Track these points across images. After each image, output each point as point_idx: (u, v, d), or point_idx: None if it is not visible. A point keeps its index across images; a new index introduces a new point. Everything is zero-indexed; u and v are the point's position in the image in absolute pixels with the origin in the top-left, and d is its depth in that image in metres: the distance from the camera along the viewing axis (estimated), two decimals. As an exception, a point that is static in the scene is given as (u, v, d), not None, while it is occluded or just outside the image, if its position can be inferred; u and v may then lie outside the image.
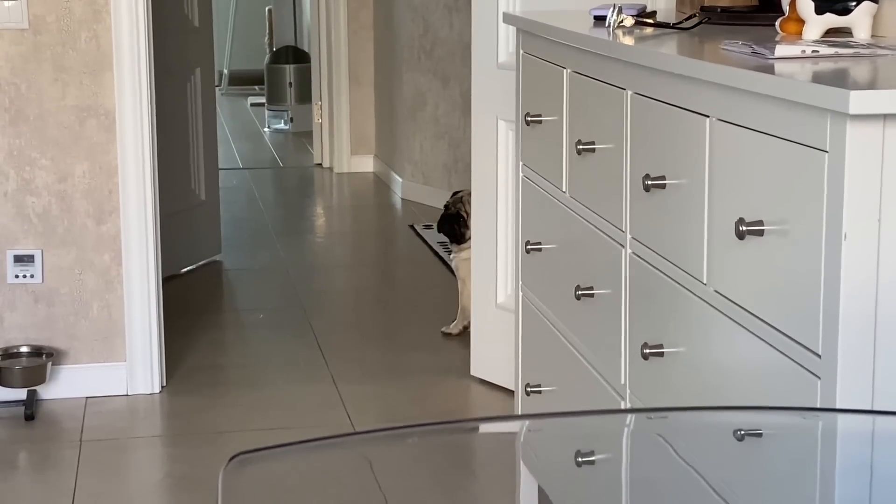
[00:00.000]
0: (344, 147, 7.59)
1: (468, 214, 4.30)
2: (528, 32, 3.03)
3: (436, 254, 5.68)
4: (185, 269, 5.38)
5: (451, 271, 4.79)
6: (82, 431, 3.77)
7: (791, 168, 1.84)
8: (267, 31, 10.68)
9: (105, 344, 4.04)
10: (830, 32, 2.35)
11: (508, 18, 3.27)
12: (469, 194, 4.21)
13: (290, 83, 8.98)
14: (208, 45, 5.50)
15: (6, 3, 3.84)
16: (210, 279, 5.41)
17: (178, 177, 5.20)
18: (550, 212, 2.91)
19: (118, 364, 4.04)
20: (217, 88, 7.31)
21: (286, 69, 9.00)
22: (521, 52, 3.10)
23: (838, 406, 1.71)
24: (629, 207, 2.43)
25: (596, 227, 2.61)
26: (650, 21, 2.68)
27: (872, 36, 2.37)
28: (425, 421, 3.82)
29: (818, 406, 1.75)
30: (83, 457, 3.59)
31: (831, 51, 2.12)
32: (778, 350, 1.89)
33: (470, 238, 4.22)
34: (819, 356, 1.79)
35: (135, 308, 4.03)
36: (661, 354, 2.29)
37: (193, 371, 4.26)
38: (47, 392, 3.98)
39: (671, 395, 2.29)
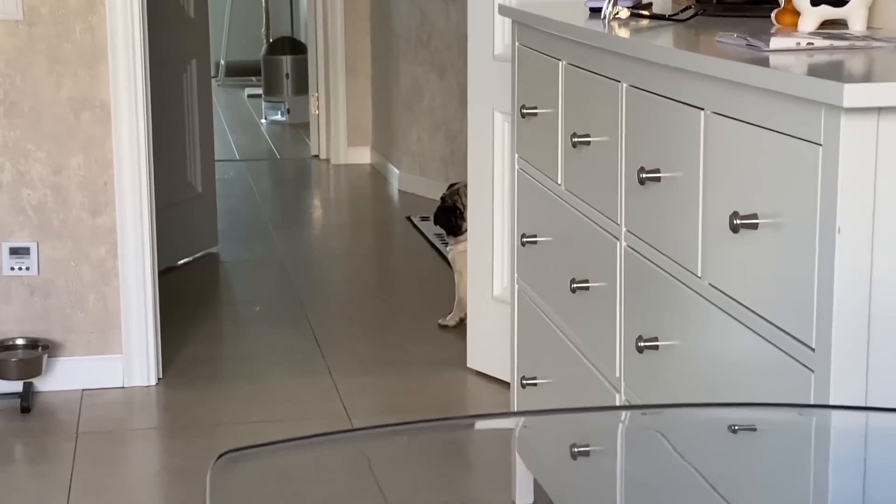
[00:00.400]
0: (341, 138, 7.58)
1: (465, 206, 4.30)
2: (524, 24, 3.02)
3: (432, 246, 5.67)
4: (181, 262, 5.38)
5: (448, 263, 4.78)
6: (78, 424, 3.77)
7: (785, 161, 1.84)
8: (263, 21, 10.67)
9: (101, 336, 4.03)
10: (826, 24, 2.34)
11: (504, 10, 3.26)
12: (466, 186, 4.21)
13: (287, 74, 8.96)
14: (204, 37, 5.49)
15: (1, -5, 3.83)
16: (207, 271, 5.40)
17: (174, 169, 5.19)
18: (546, 204, 2.91)
19: (114, 356, 4.04)
20: (214, 80, 7.30)
21: (283, 60, 8.98)
22: (517, 44, 3.09)
23: (832, 399, 1.71)
24: (624, 200, 2.43)
25: (591, 219, 2.61)
26: (645, 13, 2.67)
27: (868, 28, 2.36)
28: (422, 413, 3.82)
29: (811, 401, 1.75)
30: (79, 449, 3.59)
31: (826, 43, 2.11)
32: (771, 343, 1.88)
33: (466, 230, 4.21)
34: (812, 349, 1.79)
35: (131, 300, 4.02)
36: (656, 347, 2.29)
37: (190, 363, 4.25)
38: (43, 384, 3.98)
39: (666, 387, 2.29)
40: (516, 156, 3.13)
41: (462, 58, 5.28)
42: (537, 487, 3.11)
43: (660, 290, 2.28)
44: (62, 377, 3.99)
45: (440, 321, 4.60)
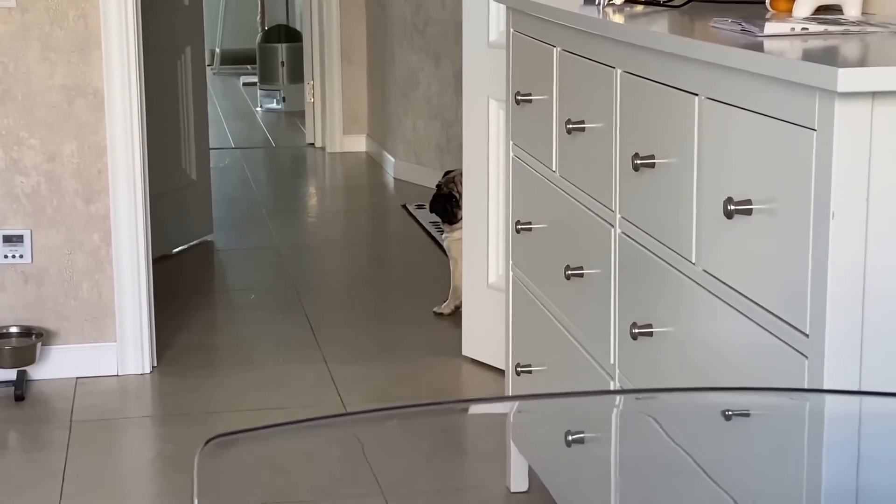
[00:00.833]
0: (336, 127, 7.57)
1: (460, 194, 4.29)
2: (519, 11, 3.01)
3: (428, 234, 5.67)
4: (176, 250, 5.37)
5: (444, 251, 4.78)
6: (72, 412, 3.76)
7: (779, 146, 1.83)
8: (259, 9, 10.65)
9: (95, 324, 4.03)
10: (821, 10, 2.34)
11: (499, -3, 3.25)
12: (461, 174, 4.20)
13: (283, 62, 8.95)
14: (198, 24, 5.48)
15: (-6, -18, 3.82)
16: (201, 259, 5.40)
17: (168, 156, 5.18)
18: (540, 191, 2.90)
19: (108, 344, 4.03)
20: (209, 68, 7.28)
21: (278, 48, 8.96)
22: (512, 30, 3.08)
23: (826, 385, 1.71)
24: (618, 187, 2.42)
25: (586, 206, 2.61)
26: (640, -1, 2.66)
27: (863, 13, 2.35)
28: (417, 400, 3.82)
29: (805, 386, 1.74)
30: (73, 437, 3.59)
31: (821, 28, 2.11)
32: (766, 329, 1.88)
33: (462, 218, 4.21)
34: (807, 335, 1.78)
35: (125, 288, 4.02)
36: (650, 334, 2.28)
37: (184, 351, 4.25)
38: (37, 372, 3.97)
39: (660, 374, 2.28)
40: (511, 143, 3.12)
41: (457, 45, 5.27)
42: (532, 475, 3.11)
43: (654, 277, 2.27)
44: (56, 365, 3.99)
45: (435, 309, 4.60)
